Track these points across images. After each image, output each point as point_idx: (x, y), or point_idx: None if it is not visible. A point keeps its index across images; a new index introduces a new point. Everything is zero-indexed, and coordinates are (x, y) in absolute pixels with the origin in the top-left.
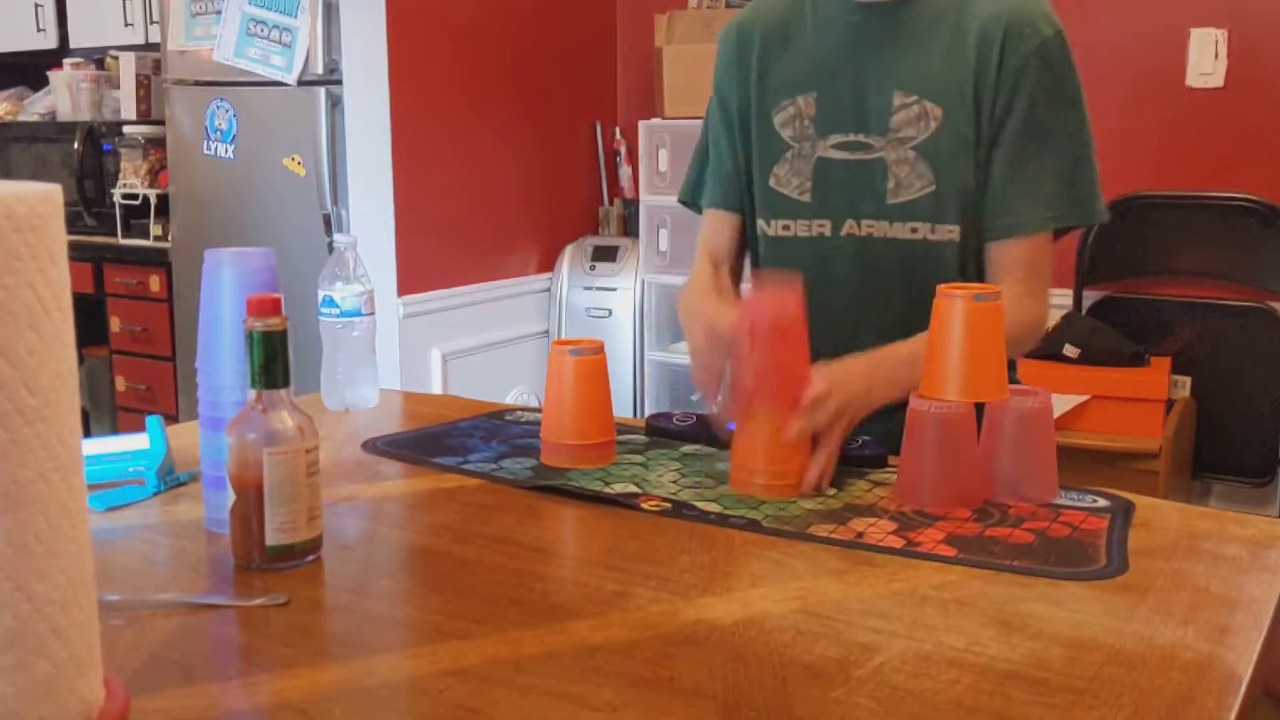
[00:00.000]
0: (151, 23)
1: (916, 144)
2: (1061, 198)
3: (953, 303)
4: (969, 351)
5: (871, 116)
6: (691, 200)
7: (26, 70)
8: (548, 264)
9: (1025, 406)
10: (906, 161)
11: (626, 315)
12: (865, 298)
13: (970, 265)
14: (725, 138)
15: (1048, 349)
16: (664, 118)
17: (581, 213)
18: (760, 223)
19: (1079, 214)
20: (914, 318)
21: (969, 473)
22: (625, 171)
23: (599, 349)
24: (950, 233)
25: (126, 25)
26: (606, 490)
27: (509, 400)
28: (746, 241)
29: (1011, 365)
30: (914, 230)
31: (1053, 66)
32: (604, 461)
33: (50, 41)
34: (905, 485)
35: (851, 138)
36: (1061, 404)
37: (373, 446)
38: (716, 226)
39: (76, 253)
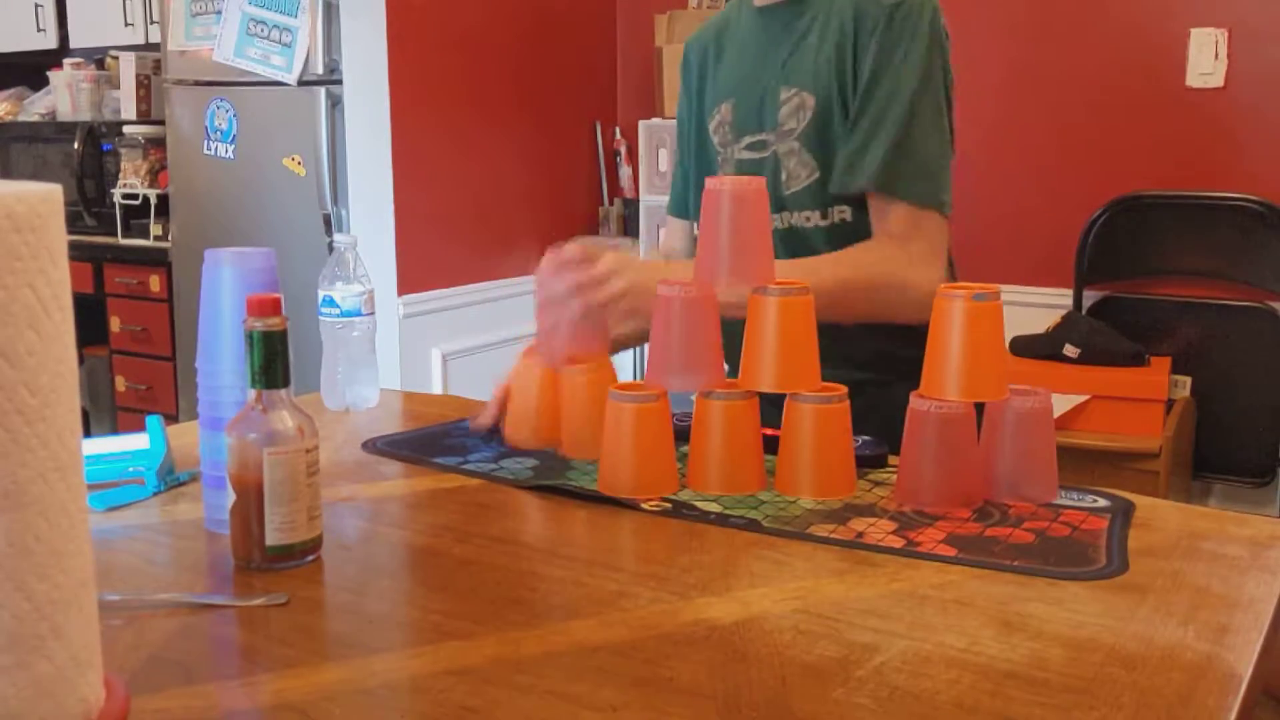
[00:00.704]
0: (151, 23)
1: (798, 134)
2: (888, 167)
3: (952, 303)
4: (968, 351)
5: (766, 115)
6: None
7: (27, 70)
8: None
9: (1025, 406)
10: (794, 153)
11: None
12: None
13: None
14: (678, 149)
15: (1048, 349)
16: (664, 118)
17: (581, 213)
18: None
19: (913, 191)
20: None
21: (969, 472)
22: (625, 171)
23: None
24: (842, 214)
25: (126, 25)
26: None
27: None
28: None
29: (894, 328)
30: (807, 219)
31: (894, 30)
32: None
33: (50, 41)
34: (906, 485)
35: (756, 137)
36: (1061, 404)
37: (373, 446)
38: (671, 232)
39: (76, 253)
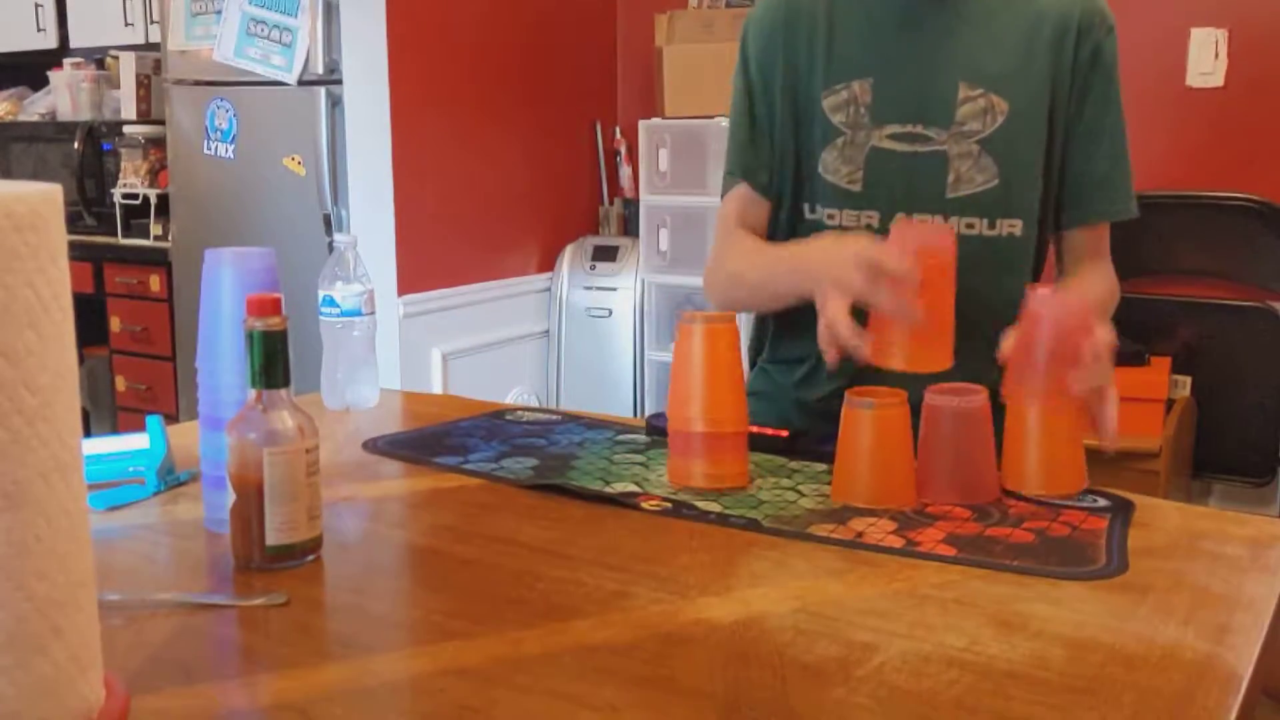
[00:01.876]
0: (152, 22)
1: (982, 138)
2: (1124, 186)
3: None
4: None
5: (933, 107)
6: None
7: (27, 70)
8: (548, 264)
9: (962, 406)
10: (969, 155)
11: (626, 315)
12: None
13: (1022, 261)
14: (765, 116)
15: None
16: (664, 117)
17: (582, 212)
18: (805, 207)
19: (1134, 205)
20: (961, 314)
21: (984, 467)
22: (625, 171)
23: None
24: (1012, 227)
25: (127, 25)
26: (607, 490)
27: (509, 400)
28: (775, 229)
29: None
30: (970, 226)
31: (1115, 59)
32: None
33: (50, 41)
34: (921, 479)
35: (909, 129)
36: None
37: (373, 446)
38: (749, 207)
39: (77, 252)
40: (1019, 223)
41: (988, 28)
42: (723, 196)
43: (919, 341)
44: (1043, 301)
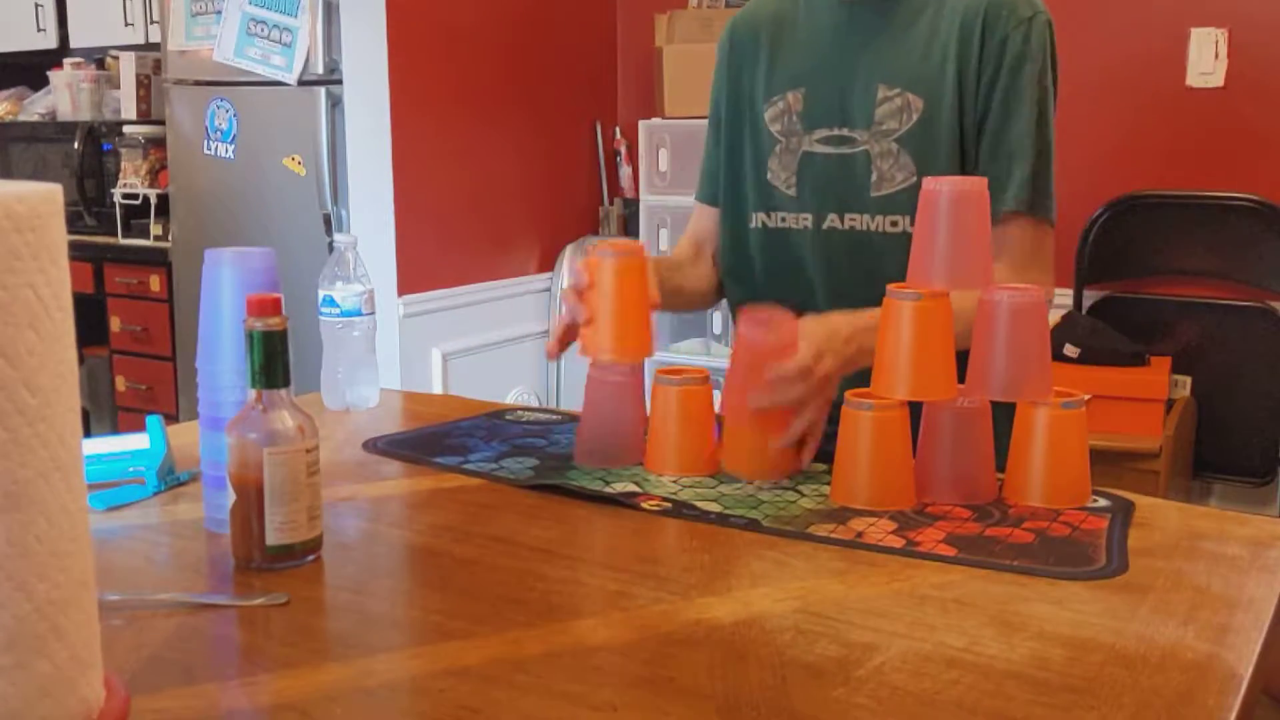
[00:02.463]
0: (152, 23)
1: (899, 136)
2: (1026, 185)
3: (900, 305)
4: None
5: (856, 110)
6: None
7: (27, 70)
8: (548, 264)
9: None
10: (890, 154)
11: None
12: (846, 291)
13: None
14: (711, 135)
15: None
16: (664, 117)
17: (582, 212)
18: (754, 215)
19: (1040, 206)
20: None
21: (983, 467)
22: (625, 171)
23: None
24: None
25: (127, 25)
26: (607, 490)
27: (509, 400)
28: (721, 235)
29: None
30: (894, 224)
31: (1030, 51)
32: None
33: (50, 41)
34: (921, 479)
35: (835, 132)
36: None
37: (373, 446)
38: (701, 220)
39: (77, 252)
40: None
41: (908, 31)
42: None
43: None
44: (747, 324)
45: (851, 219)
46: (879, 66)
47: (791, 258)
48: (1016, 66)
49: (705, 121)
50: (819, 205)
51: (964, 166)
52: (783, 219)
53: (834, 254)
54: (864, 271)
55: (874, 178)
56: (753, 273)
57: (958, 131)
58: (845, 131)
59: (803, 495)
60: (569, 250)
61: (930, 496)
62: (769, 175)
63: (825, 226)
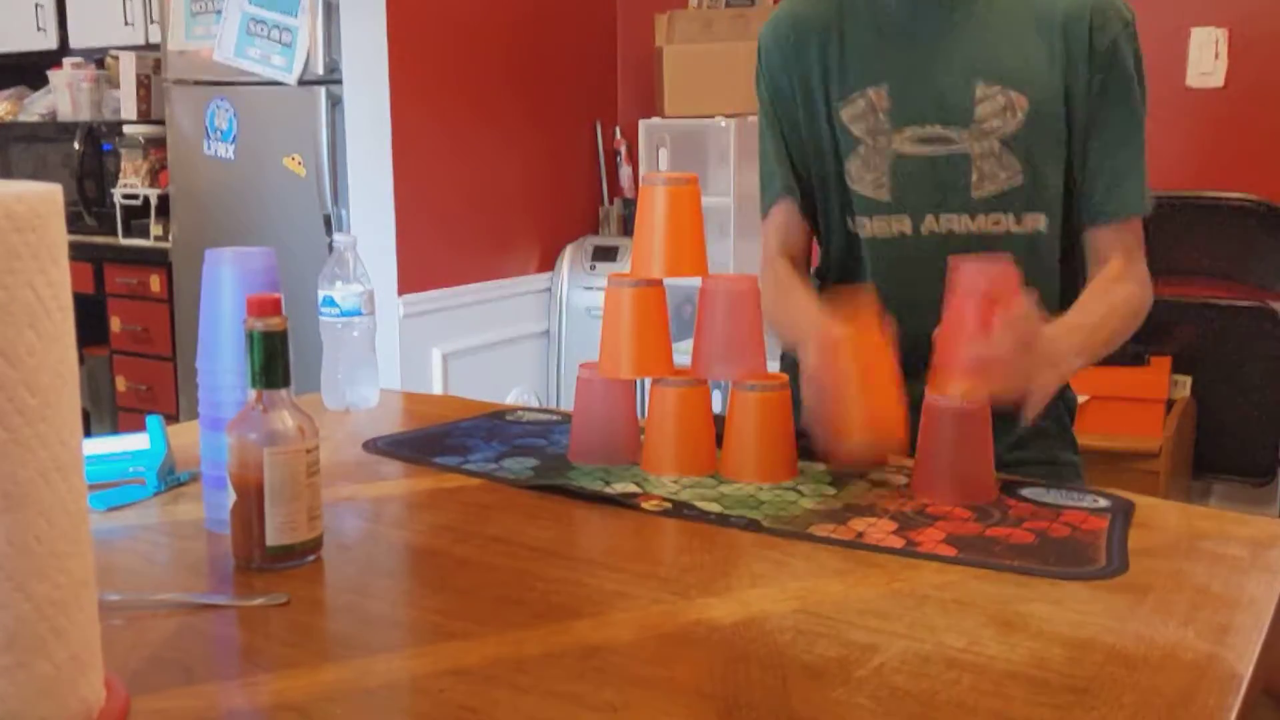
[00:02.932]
0: (151, 22)
1: (1004, 135)
2: (1139, 191)
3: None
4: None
5: (951, 107)
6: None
7: (26, 70)
8: (548, 264)
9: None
10: (992, 154)
11: None
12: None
13: (1054, 255)
14: (772, 137)
15: None
16: (664, 117)
17: (582, 212)
18: (847, 220)
19: (1146, 204)
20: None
21: (983, 468)
22: (625, 171)
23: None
24: (1036, 221)
25: (126, 25)
26: (607, 490)
27: (509, 400)
28: (814, 237)
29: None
30: (996, 223)
31: (1135, 51)
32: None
33: (50, 41)
34: (920, 479)
35: (931, 130)
36: None
37: (373, 446)
38: (783, 218)
39: (77, 253)
40: (1043, 217)
41: (998, 25)
42: (764, 214)
43: (860, 428)
44: (966, 273)
45: (949, 220)
46: (970, 61)
47: (884, 264)
48: (1127, 70)
49: (706, 121)
50: (917, 208)
51: (1068, 165)
52: (863, 224)
53: (934, 257)
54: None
55: (975, 177)
56: (853, 277)
57: (1065, 131)
58: (940, 130)
59: (803, 495)
60: (569, 250)
61: (931, 497)
62: (848, 179)
63: (924, 230)
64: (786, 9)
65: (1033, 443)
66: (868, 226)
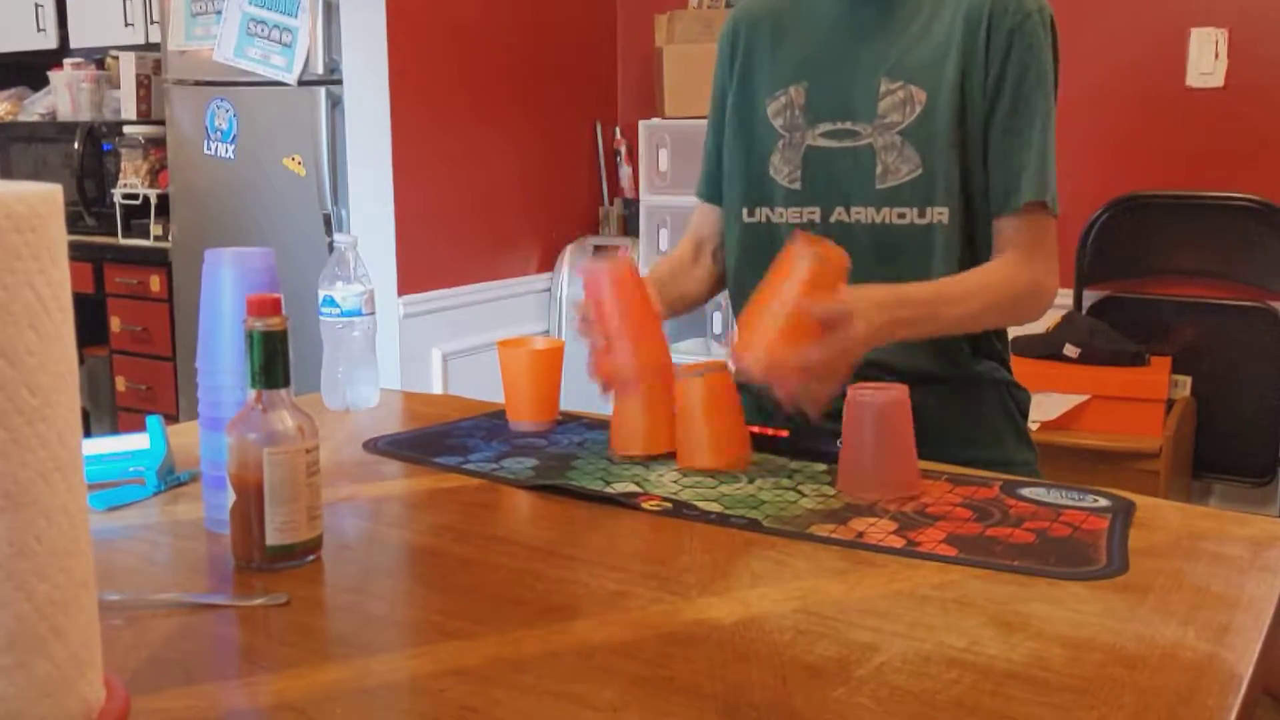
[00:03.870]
0: (152, 23)
1: (902, 129)
2: (1034, 179)
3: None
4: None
5: (859, 104)
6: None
7: (26, 70)
8: (548, 264)
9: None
10: (894, 147)
11: None
12: (853, 284)
13: (956, 247)
14: (712, 132)
15: (1048, 349)
16: (664, 118)
17: (582, 212)
18: (758, 210)
19: (1048, 200)
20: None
21: (906, 461)
22: (625, 171)
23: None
24: (939, 215)
25: (127, 25)
26: (607, 490)
27: None
28: (726, 233)
29: (1000, 334)
30: (901, 215)
31: (1035, 44)
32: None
33: (50, 41)
34: (846, 474)
35: (839, 125)
36: (1062, 404)
37: (373, 446)
38: (702, 219)
39: (77, 253)
40: (945, 210)
41: (910, 25)
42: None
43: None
44: (794, 252)
45: (857, 212)
46: (881, 59)
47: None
48: (1024, 61)
49: (705, 122)
50: (826, 200)
51: (966, 157)
52: (779, 213)
53: (842, 247)
54: (872, 263)
55: (879, 170)
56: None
57: (959, 123)
58: (849, 125)
59: (803, 495)
60: (569, 250)
61: (853, 491)
62: (770, 170)
63: (833, 220)
64: (733, 11)
65: (986, 442)
66: (783, 215)
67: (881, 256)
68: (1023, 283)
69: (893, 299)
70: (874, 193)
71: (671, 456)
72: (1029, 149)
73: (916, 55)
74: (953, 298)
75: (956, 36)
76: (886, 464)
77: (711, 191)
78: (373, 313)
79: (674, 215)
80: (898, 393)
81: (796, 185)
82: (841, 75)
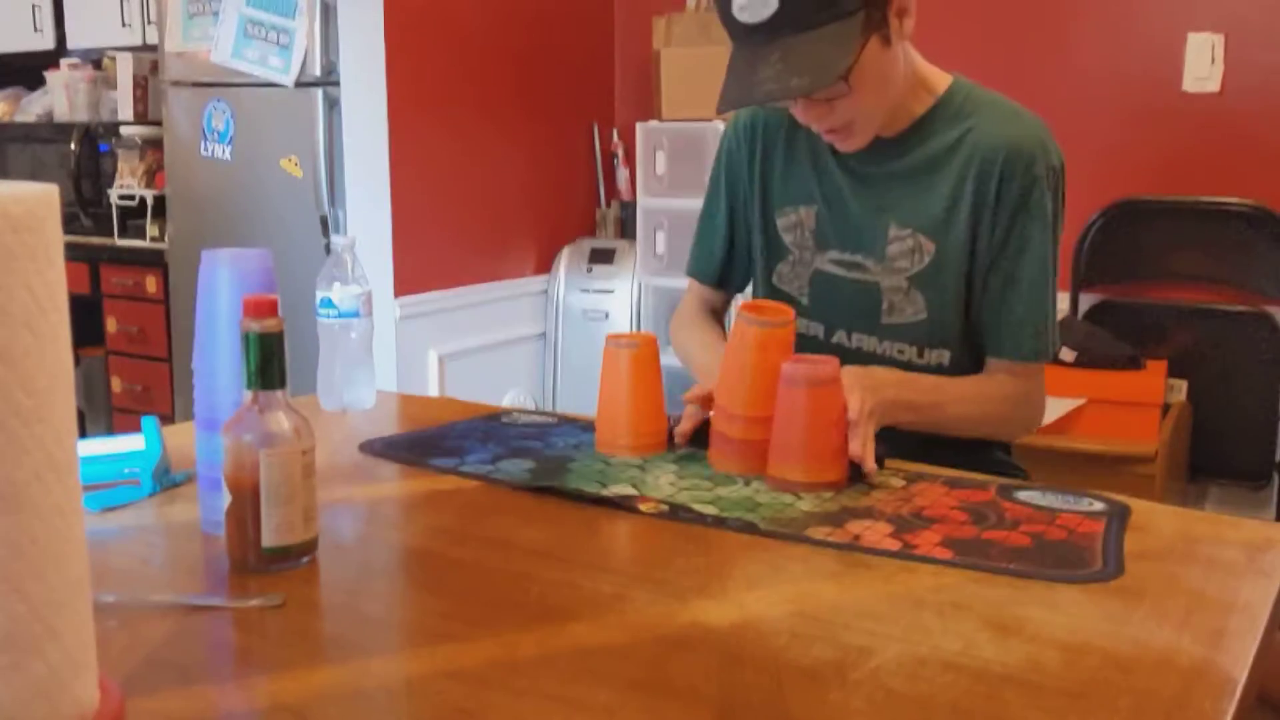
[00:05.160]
0: (149, 24)
1: (910, 274)
2: (1037, 338)
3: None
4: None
5: (867, 241)
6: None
7: (23, 71)
8: (545, 266)
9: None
10: (900, 289)
11: (624, 317)
12: None
13: None
14: (712, 211)
15: None
16: (661, 120)
17: (579, 215)
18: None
19: (1044, 355)
20: (889, 432)
21: (835, 439)
22: (623, 174)
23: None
24: (939, 357)
25: (124, 26)
26: (604, 492)
27: (506, 402)
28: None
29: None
30: (900, 352)
31: (1044, 200)
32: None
33: (47, 42)
34: (776, 451)
35: (849, 257)
36: (1058, 408)
37: (370, 448)
38: (694, 300)
39: (73, 253)
40: (946, 353)
41: (919, 175)
42: (688, 273)
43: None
44: (788, 370)
45: (859, 339)
46: (891, 206)
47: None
48: (1031, 217)
49: (703, 124)
50: (830, 321)
51: (970, 305)
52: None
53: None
54: None
55: (885, 306)
56: None
57: (967, 273)
58: (858, 259)
59: (800, 498)
60: (566, 252)
61: (783, 470)
62: (776, 280)
63: (834, 340)
64: (750, 111)
65: (963, 444)
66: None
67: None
68: (1016, 403)
69: (896, 379)
70: (878, 326)
71: (667, 458)
72: (1036, 308)
73: (926, 206)
74: (955, 396)
75: (967, 188)
76: (817, 441)
77: (707, 273)
78: (369, 314)
79: (671, 217)
80: (828, 367)
81: (805, 300)
82: (850, 211)
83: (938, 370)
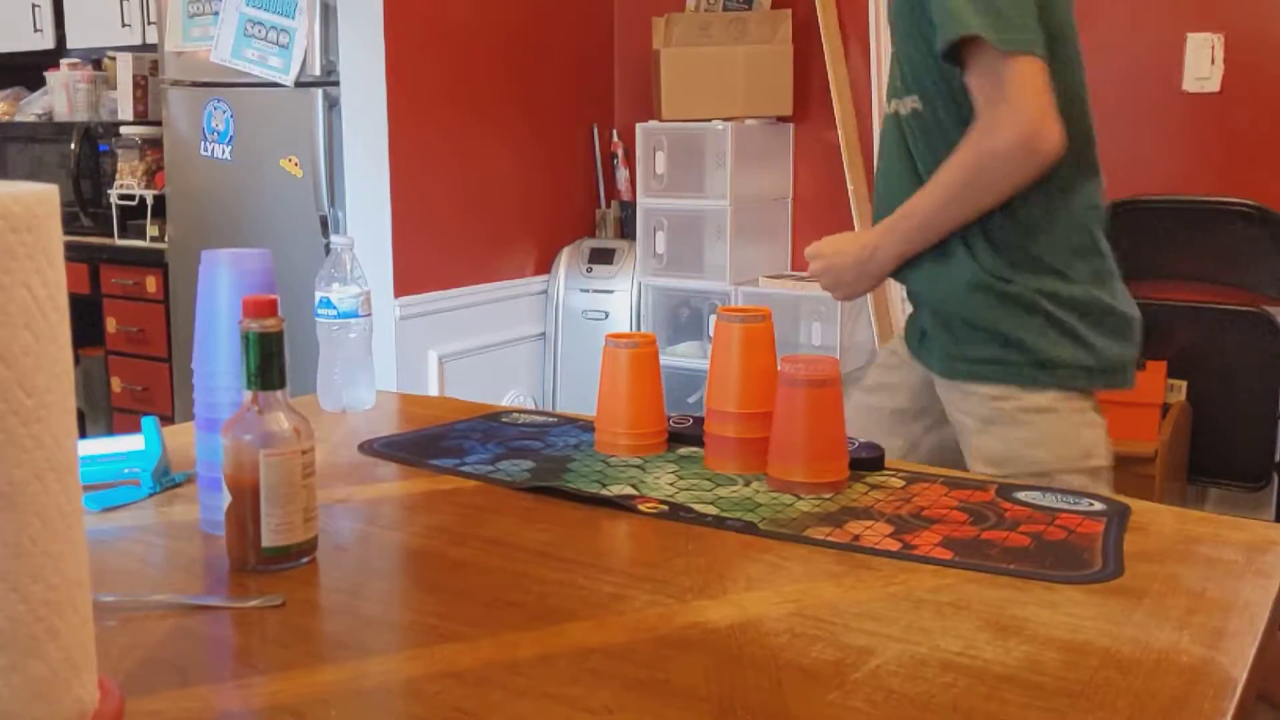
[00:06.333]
0: (149, 23)
1: (890, 19)
2: (959, 13)
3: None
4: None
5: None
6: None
7: (23, 70)
8: (544, 266)
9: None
10: (894, 44)
11: (623, 318)
12: (883, 172)
13: (929, 134)
14: None
15: None
16: (661, 120)
17: (578, 215)
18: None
19: (980, 28)
20: (888, 197)
21: (835, 439)
22: (622, 174)
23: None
24: (912, 103)
25: (124, 26)
26: (603, 492)
27: (505, 402)
28: None
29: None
30: (895, 109)
31: None
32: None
33: (47, 42)
34: (776, 452)
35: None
36: None
37: (369, 448)
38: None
39: (73, 253)
40: (915, 98)
41: None
42: (1012, 53)
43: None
44: (784, 369)
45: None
46: None
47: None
48: None
49: (703, 125)
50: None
51: (926, 43)
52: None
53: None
54: (887, 155)
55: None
56: None
57: (918, 9)
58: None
59: (799, 499)
60: (565, 252)
61: (783, 471)
62: None
63: (888, 113)
64: None
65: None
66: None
67: (895, 146)
68: (974, 152)
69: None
70: (894, 87)
71: (667, 458)
72: None
73: None
74: (921, 195)
75: None
76: (817, 441)
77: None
78: (369, 314)
79: (671, 218)
80: (828, 367)
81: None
82: None
83: (910, 120)
